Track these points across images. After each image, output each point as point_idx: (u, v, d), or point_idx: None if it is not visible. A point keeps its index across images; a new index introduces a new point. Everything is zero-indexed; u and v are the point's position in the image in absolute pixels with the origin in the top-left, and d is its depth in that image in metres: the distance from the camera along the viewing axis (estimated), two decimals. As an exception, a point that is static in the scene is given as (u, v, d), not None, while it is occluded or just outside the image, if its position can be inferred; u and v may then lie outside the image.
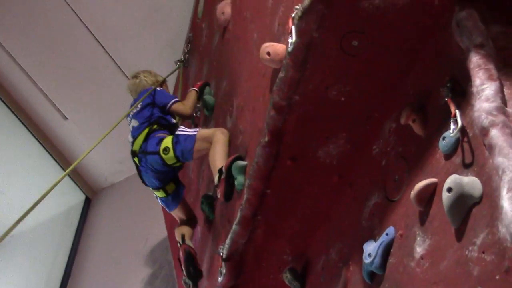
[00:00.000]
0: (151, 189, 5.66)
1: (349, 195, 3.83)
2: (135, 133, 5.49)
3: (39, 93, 8.34)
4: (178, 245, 5.46)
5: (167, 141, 5.24)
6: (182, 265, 5.26)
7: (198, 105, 5.96)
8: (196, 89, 5.90)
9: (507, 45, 2.98)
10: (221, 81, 5.42)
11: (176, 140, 5.16)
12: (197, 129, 5.18)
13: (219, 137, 4.98)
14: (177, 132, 5.24)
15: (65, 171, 8.89)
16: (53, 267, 8.06)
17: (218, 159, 4.82)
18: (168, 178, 5.48)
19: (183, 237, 5.31)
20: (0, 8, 7.73)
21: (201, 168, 5.96)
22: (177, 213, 5.75)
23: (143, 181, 5.63)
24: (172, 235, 6.28)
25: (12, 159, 8.50)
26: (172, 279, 6.47)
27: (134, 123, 5.58)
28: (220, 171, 4.65)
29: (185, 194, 5.81)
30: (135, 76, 6.10)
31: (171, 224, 6.70)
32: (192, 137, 5.11)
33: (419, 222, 3.08)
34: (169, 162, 5.24)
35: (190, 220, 5.73)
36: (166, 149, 5.17)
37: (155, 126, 5.45)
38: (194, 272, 5.14)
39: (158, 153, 5.22)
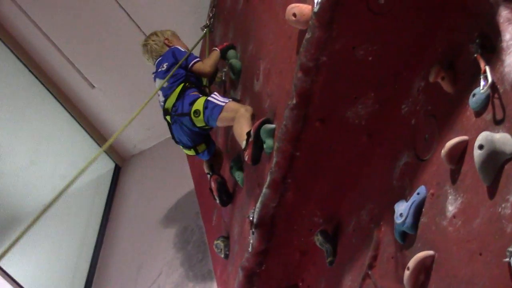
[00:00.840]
0: (181, 147, 5.76)
1: (379, 155, 3.82)
2: (167, 92, 5.55)
3: (65, 62, 8.36)
4: (208, 176, 5.67)
5: (199, 104, 5.32)
6: (215, 194, 5.48)
7: (225, 69, 5.95)
8: (218, 49, 5.94)
9: (538, -2, 2.94)
10: (247, 45, 5.41)
11: (206, 105, 5.22)
12: (227, 100, 5.22)
13: (243, 113, 5.03)
14: (209, 98, 5.29)
15: (93, 139, 8.98)
16: (85, 235, 8.14)
17: (244, 128, 4.84)
18: (199, 139, 5.57)
19: (211, 167, 5.39)
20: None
21: (230, 133, 5.97)
22: (206, 166, 5.94)
23: (174, 139, 5.76)
24: (203, 200, 6.32)
25: (41, 129, 8.54)
26: (204, 244, 6.49)
27: (164, 86, 5.63)
28: (248, 134, 4.68)
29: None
30: (144, 44, 6.17)
31: (201, 190, 6.73)
32: (220, 107, 5.17)
33: (451, 181, 3.06)
34: (198, 125, 5.35)
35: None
36: (196, 112, 5.27)
37: (187, 84, 5.53)
38: (227, 198, 5.39)
39: (189, 114, 5.31)
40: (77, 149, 8.86)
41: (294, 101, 3.82)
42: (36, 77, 8.43)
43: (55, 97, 8.59)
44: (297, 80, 3.74)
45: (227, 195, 5.36)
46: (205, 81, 5.86)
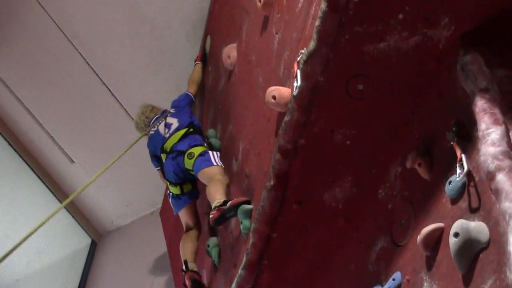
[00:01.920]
0: (168, 183, 5.73)
1: (356, 239, 3.80)
2: (173, 131, 5.65)
3: (46, 136, 8.34)
4: (183, 272, 5.42)
5: (198, 150, 5.40)
6: None
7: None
8: (199, 62, 6.52)
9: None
10: (227, 125, 5.43)
11: (203, 155, 5.27)
12: (220, 164, 5.27)
13: (222, 179, 5.06)
14: (210, 152, 5.37)
15: (71, 214, 8.89)
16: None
17: (218, 193, 4.83)
18: (186, 178, 5.51)
19: (185, 263, 5.31)
20: (8, 51, 7.76)
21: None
22: (184, 217, 5.76)
23: (164, 174, 5.76)
24: (178, 281, 6.24)
25: (17, 202, 8.46)
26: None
27: (173, 121, 5.69)
28: (225, 202, 4.63)
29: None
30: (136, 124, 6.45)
31: (176, 269, 6.67)
32: (210, 163, 5.23)
33: (426, 267, 3.06)
34: (187, 166, 5.40)
35: (195, 228, 5.75)
36: (191, 154, 5.34)
37: (191, 130, 5.59)
38: None
39: (183, 153, 5.38)
40: (54, 224, 8.76)
41: (272, 183, 3.83)
42: (15, 150, 8.40)
43: (33, 170, 8.55)
44: (275, 162, 3.75)
45: None
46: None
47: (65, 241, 9.03)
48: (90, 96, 8.15)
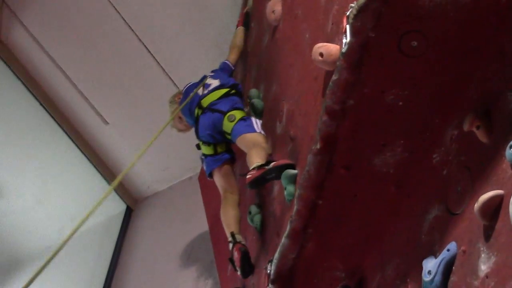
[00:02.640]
0: (201, 142, 5.75)
1: (408, 207, 3.79)
2: (212, 89, 5.73)
3: (79, 97, 8.39)
4: (230, 245, 5.36)
5: (240, 113, 5.46)
6: (237, 265, 5.21)
7: (246, 109, 5.98)
8: (241, 26, 6.52)
9: None
10: (270, 84, 5.43)
11: (244, 119, 5.30)
12: (262, 131, 5.29)
13: (265, 147, 5.09)
14: (252, 117, 5.42)
15: (105, 178, 8.96)
16: (92, 279, 8.12)
17: (260, 157, 4.86)
18: (221, 138, 5.56)
19: (232, 235, 5.28)
20: (41, 9, 7.79)
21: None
22: (220, 180, 5.73)
23: (197, 133, 5.76)
24: (218, 250, 6.26)
25: (50, 166, 8.53)
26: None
27: (213, 81, 5.72)
28: (267, 162, 4.66)
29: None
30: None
31: (216, 237, 6.71)
32: (253, 129, 5.26)
33: (484, 238, 3.03)
34: (225, 128, 5.43)
35: (234, 193, 5.70)
36: (231, 116, 5.36)
37: (233, 91, 5.68)
38: (249, 269, 5.16)
39: (224, 113, 5.43)
40: (87, 188, 8.85)
41: (318, 146, 3.82)
42: (47, 111, 8.44)
43: (66, 133, 8.60)
44: (322, 124, 3.74)
45: (249, 266, 5.19)
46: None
47: (100, 208, 9.10)
48: (126, 55, 8.18)
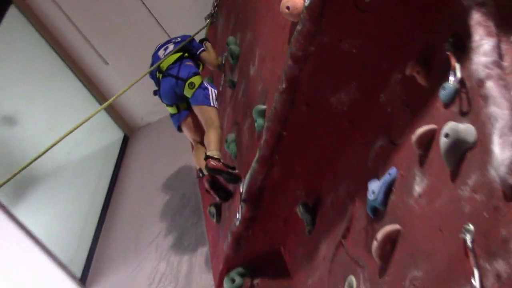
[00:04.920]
0: (165, 104, 5.69)
1: (358, 138, 3.83)
2: (167, 52, 5.56)
3: (83, 39, 8.35)
4: (200, 177, 5.45)
5: (197, 80, 5.39)
6: (212, 193, 5.28)
7: (225, 54, 5.95)
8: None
9: (507, 3, 2.94)
10: (245, 33, 5.41)
11: (203, 88, 5.24)
12: (215, 105, 5.39)
13: (217, 127, 5.28)
14: (207, 84, 5.35)
15: (105, 110, 8.95)
16: (94, 196, 8.18)
17: (214, 140, 5.09)
18: (182, 100, 5.48)
19: (200, 170, 5.31)
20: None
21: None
22: (188, 132, 5.73)
23: (160, 95, 5.69)
24: (205, 198, 6.27)
25: (59, 100, 8.54)
26: (199, 209, 6.52)
27: (170, 47, 5.63)
28: (232, 168, 4.99)
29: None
30: None
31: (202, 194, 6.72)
32: (209, 102, 5.31)
33: (419, 164, 3.08)
34: (185, 93, 5.39)
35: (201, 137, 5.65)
36: (192, 84, 5.31)
37: (186, 54, 5.50)
38: (225, 194, 5.18)
39: (185, 81, 5.33)
40: (91, 119, 8.82)
41: (284, 86, 3.83)
42: (56, 53, 8.41)
43: (72, 71, 8.57)
44: (287, 67, 3.75)
45: (224, 191, 5.21)
46: (201, 67, 5.84)
47: (101, 135, 9.14)
48: (123, 3, 8.07)
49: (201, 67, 5.76)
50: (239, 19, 5.70)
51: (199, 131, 5.59)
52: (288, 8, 3.73)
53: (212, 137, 5.02)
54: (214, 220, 5.57)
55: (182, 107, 5.52)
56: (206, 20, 6.79)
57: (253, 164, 4.34)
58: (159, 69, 5.56)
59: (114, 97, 5.64)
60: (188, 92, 5.32)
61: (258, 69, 4.84)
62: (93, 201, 8.04)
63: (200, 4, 7.28)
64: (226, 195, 5.14)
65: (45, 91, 8.21)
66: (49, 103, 8.38)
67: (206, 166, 4.88)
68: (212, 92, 5.29)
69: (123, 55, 8.51)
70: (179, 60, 5.48)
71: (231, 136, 5.41)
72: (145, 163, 8.41)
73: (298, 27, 3.57)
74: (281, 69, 3.87)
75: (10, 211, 6.36)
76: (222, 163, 4.92)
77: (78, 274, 6.90)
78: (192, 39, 5.78)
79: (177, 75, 5.36)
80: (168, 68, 5.46)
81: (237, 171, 4.81)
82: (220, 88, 6.10)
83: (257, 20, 4.96)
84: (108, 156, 8.92)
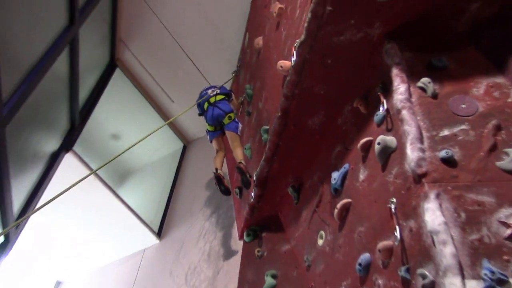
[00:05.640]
0: (207, 124, 5.53)
1: (325, 145, 3.82)
2: (214, 93, 5.49)
3: (159, 87, 8.18)
4: (215, 172, 5.26)
5: (233, 115, 5.30)
6: (216, 185, 5.15)
7: (244, 95, 5.93)
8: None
9: (413, 63, 2.95)
10: (256, 82, 5.41)
11: (235, 121, 5.24)
12: (239, 133, 5.30)
13: (240, 146, 5.22)
14: (239, 122, 5.32)
15: (170, 128, 8.89)
16: (166, 183, 8.13)
17: (240, 155, 5.04)
18: (219, 124, 5.44)
19: (216, 170, 5.24)
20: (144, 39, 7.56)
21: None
22: (215, 144, 5.54)
23: (206, 118, 5.51)
24: (233, 179, 6.21)
25: (146, 124, 8.35)
26: (231, 198, 6.48)
27: (216, 91, 5.55)
28: (249, 175, 4.92)
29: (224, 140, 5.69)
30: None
31: (231, 168, 6.70)
32: (237, 131, 5.24)
33: (362, 161, 3.07)
34: (224, 121, 5.28)
35: (222, 150, 5.52)
36: (230, 117, 5.24)
37: (226, 98, 5.48)
38: (224, 188, 5.04)
39: (226, 113, 5.26)
40: (160, 132, 8.66)
41: (279, 114, 3.83)
42: (144, 96, 8.16)
43: (153, 107, 8.40)
44: (282, 102, 3.75)
45: (223, 187, 5.04)
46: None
47: (169, 144, 9.09)
48: (182, 67, 7.88)
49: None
50: (252, 73, 5.71)
51: (222, 145, 5.54)
52: (281, 66, 3.74)
53: (239, 153, 5.04)
54: (238, 196, 5.57)
55: (217, 128, 5.49)
56: (232, 74, 6.77)
57: (261, 162, 4.34)
58: (208, 101, 5.52)
59: (176, 116, 5.64)
60: (225, 121, 5.28)
61: (264, 104, 4.84)
62: (165, 187, 8.00)
63: (228, 65, 7.22)
64: (225, 189, 5.06)
65: (136, 118, 8.16)
66: (140, 125, 8.28)
67: (237, 167, 4.85)
68: (239, 125, 5.28)
69: (183, 95, 8.37)
70: (223, 100, 5.46)
71: (248, 145, 5.42)
72: (197, 165, 8.34)
73: (288, 78, 3.57)
74: (278, 103, 3.87)
75: (115, 191, 6.39)
76: (247, 169, 4.92)
77: (156, 230, 6.92)
78: (229, 91, 5.73)
79: (222, 108, 5.35)
80: (216, 102, 5.44)
81: (251, 178, 4.75)
82: (239, 113, 6.11)
83: (263, 74, 4.97)
84: (174, 158, 8.85)
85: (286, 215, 4.59)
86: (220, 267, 5.24)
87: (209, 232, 6.01)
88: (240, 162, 4.89)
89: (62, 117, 5.61)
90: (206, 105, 5.50)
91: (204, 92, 5.73)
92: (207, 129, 5.57)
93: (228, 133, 5.26)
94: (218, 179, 5.03)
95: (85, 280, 7.15)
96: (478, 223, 2.18)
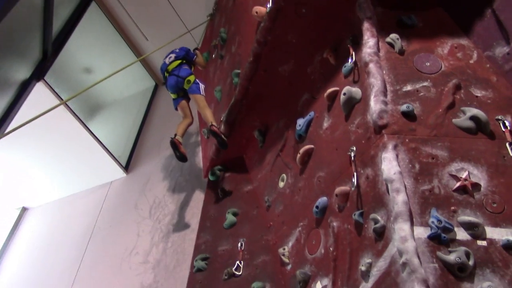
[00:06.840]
0: (169, 92, 5.26)
1: (293, 93, 3.81)
2: (170, 60, 5.28)
3: (134, 25, 7.91)
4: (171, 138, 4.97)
5: (192, 78, 5.00)
6: (172, 149, 4.89)
7: (218, 38, 5.79)
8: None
9: (384, 19, 2.94)
10: (231, 26, 5.30)
11: (195, 83, 5.00)
12: (203, 94, 4.96)
13: (207, 106, 4.85)
14: (199, 83, 5.02)
15: (142, 64, 8.67)
16: (136, 119, 8.00)
17: (210, 116, 4.68)
18: (181, 91, 5.28)
19: (175, 134, 5.09)
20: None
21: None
22: (181, 110, 5.21)
23: (166, 86, 5.26)
24: (201, 120, 6.08)
25: (118, 58, 8.12)
26: (197, 133, 6.46)
27: (172, 57, 5.33)
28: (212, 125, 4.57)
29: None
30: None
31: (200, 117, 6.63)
32: (200, 92, 4.91)
33: (327, 110, 3.10)
34: (184, 87, 5.02)
35: (188, 117, 5.19)
36: (189, 81, 5.00)
37: (184, 61, 5.26)
38: (180, 155, 4.78)
39: (184, 78, 5.00)
40: (131, 69, 8.49)
41: (251, 59, 3.81)
42: (118, 33, 7.96)
43: (127, 44, 8.12)
44: (254, 48, 3.72)
45: (179, 153, 4.76)
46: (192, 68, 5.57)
47: (141, 82, 8.88)
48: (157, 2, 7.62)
49: (192, 68, 5.46)
50: (228, 17, 5.59)
51: (187, 112, 5.27)
52: (256, 12, 3.68)
53: (208, 114, 4.79)
54: (206, 136, 5.54)
55: (180, 95, 5.29)
56: (207, 17, 6.57)
57: (231, 104, 4.33)
58: (166, 70, 5.28)
59: (148, 53, 5.45)
60: (186, 86, 5.08)
61: (237, 48, 4.77)
62: (135, 123, 7.87)
63: (206, 6, 6.97)
64: (180, 155, 4.77)
65: (109, 53, 7.88)
66: (112, 60, 8.01)
67: (209, 130, 4.70)
68: (201, 86, 5.10)
69: (157, 34, 8.12)
70: (179, 65, 5.25)
71: (219, 88, 5.36)
72: (168, 104, 8.20)
73: (262, 24, 3.53)
74: (251, 48, 3.83)
75: (85, 123, 6.28)
76: (220, 131, 4.62)
77: (124, 163, 6.89)
78: (188, 51, 5.51)
79: (178, 75, 5.16)
80: (173, 70, 5.24)
81: (226, 139, 4.52)
82: (213, 56, 5.97)
83: (238, 18, 4.87)
84: (145, 96, 8.65)
85: (250, 157, 4.62)
86: (184, 202, 5.30)
87: (175, 169, 6.03)
88: (212, 125, 4.69)
89: (34, 47, 5.40)
90: (166, 75, 5.30)
91: (163, 61, 5.52)
92: (172, 98, 5.39)
93: (192, 96, 5.06)
94: (174, 144, 4.80)
95: (52, 209, 7.12)
96: (430, 174, 2.25)
